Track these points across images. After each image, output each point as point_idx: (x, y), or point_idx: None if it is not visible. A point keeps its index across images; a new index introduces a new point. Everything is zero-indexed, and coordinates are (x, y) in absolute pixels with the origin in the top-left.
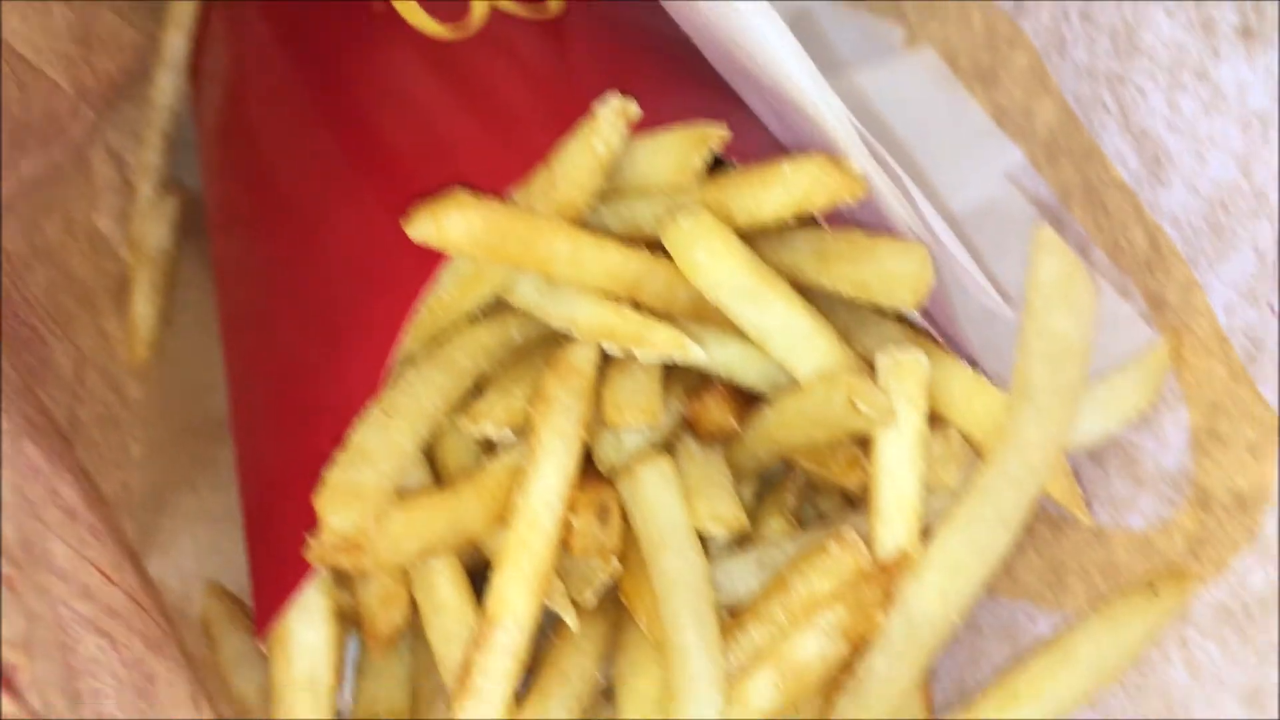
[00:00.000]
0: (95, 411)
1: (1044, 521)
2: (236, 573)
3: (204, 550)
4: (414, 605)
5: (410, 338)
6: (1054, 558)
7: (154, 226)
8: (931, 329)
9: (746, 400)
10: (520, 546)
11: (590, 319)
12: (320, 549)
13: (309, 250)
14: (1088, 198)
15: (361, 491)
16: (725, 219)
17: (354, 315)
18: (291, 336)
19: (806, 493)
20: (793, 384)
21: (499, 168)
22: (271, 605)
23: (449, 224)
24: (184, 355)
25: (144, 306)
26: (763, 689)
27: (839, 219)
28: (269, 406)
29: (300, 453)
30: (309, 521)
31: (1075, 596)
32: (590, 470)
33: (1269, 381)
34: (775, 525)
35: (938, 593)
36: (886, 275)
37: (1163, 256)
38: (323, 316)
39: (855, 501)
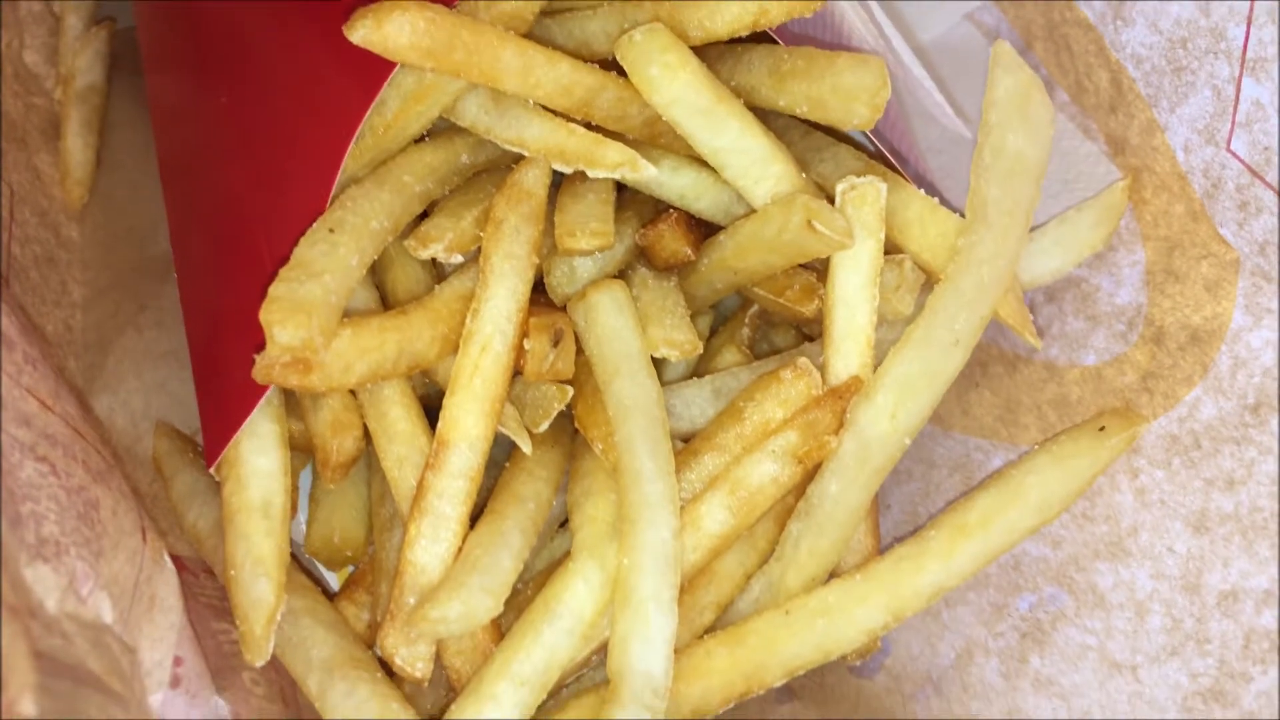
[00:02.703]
0: (32, 251)
1: (999, 360)
2: (184, 411)
3: (150, 388)
4: (367, 435)
5: (355, 160)
6: (1008, 395)
7: (84, 62)
8: (889, 155)
9: (702, 229)
10: (472, 369)
11: (540, 137)
12: (267, 365)
13: (246, 81)
14: (1050, 37)
15: (307, 305)
16: (679, 34)
17: (295, 141)
18: (232, 169)
19: (761, 327)
20: (748, 214)
21: None
22: (222, 435)
23: (392, 26)
24: (122, 195)
25: (76, 145)
26: (715, 512)
27: (796, 40)
28: (212, 240)
29: (244, 281)
30: (256, 347)
31: (1029, 432)
32: (544, 300)
33: (1227, 219)
34: (729, 357)
35: (889, 414)
36: (843, 90)
37: (1125, 97)
38: (263, 146)
39: (810, 336)
